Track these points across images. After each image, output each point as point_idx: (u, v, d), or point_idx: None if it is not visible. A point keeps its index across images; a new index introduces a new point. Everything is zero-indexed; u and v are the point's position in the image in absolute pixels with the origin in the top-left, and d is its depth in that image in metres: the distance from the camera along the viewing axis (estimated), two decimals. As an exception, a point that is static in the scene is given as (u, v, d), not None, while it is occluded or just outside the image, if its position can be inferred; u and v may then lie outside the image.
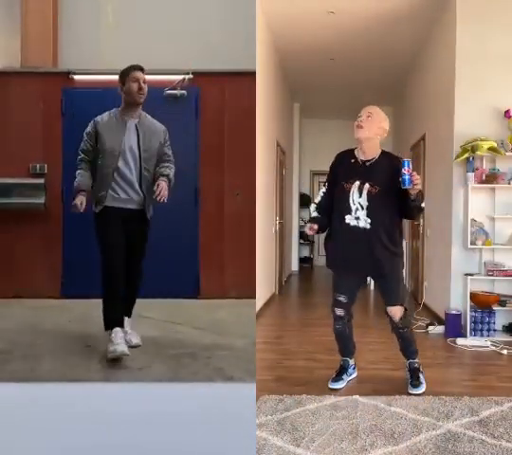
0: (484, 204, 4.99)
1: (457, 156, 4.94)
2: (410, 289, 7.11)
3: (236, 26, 4.75)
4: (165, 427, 2.05)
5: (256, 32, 4.89)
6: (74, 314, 4.16)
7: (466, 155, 4.83)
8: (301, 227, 10.87)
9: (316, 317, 5.77)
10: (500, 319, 4.84)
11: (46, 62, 4.86)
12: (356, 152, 3.37)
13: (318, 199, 3.45)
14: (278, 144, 7.49)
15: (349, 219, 3.27)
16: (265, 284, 6.39)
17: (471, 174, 4.88)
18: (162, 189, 3.27)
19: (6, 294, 4.66)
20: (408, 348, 3.50)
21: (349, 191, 3.27)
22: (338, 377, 3.50)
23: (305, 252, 11.53)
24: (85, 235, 3.55)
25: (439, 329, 5.04)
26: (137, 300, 3.58)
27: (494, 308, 4.79)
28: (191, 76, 4.83)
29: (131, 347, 3.34)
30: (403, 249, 3.50)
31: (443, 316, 5.15)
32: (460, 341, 4.62)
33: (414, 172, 3.07)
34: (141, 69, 3.34)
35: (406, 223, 6.99)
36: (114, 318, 3.26)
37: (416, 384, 3.37)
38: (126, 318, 3.50)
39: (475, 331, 4.75)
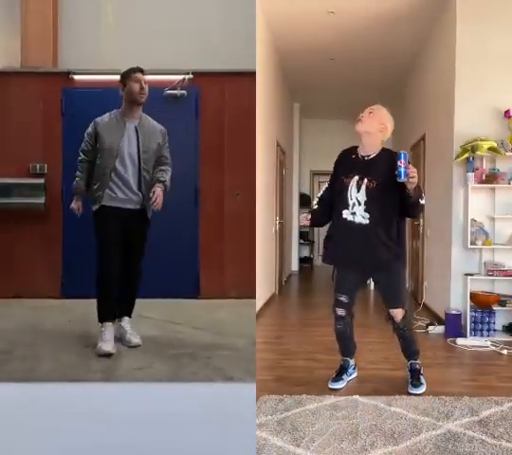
0: (484, 204, 4.99)
1: (457, 156, 4.93)
2: (410, 289, 7.11)
3: (236, 26, 4.74)
4: (165, 427, 2.05)
5: (256, 32, 4.88)
6: (74, 314, 4.15)
7: (466, 155, 4.82)
8: (301, 227, 10.88)
9: (316, 317, 5.77)
10: (500, 319, 4.84)
11: (46, 62, 4.86)
12: (358, 149, 3.38)
13: (320, 193, 3.48)
14: (278, 144, 7.49)
15: (346, 214, 3.26)
16: (264, 284, 6.38)
17: (471, 174, 4.87)
18: (158, 196, 3.32)
19: (6, 294, 4.65)
20: (409, 348, 3.49)
21: (347, 186, 3.27)
22: (338, 377, 3.49)
23: (305, 252, 11.53)
24: (85, 235, 3.55)
25: (439, 329, 5.03)
26: (137, 300, 3.59)
27: (494, 308, 4.79)
28: (191, 76, 4.83)
29: (131, 347, 3.36)
30: (406, 250, 3.47)
31: (443, 316, 5.15)
32: (460, 341, 4.62)
33: (411, 165, 3.05)
34: (142, 71, 3.39)
35: (407, 222, 6.98)
36: (105, 314, 3.35)
37: (416, 384, 3.37)
38: (126, 318, 3.52)
39: (475, 331, 4.74)
